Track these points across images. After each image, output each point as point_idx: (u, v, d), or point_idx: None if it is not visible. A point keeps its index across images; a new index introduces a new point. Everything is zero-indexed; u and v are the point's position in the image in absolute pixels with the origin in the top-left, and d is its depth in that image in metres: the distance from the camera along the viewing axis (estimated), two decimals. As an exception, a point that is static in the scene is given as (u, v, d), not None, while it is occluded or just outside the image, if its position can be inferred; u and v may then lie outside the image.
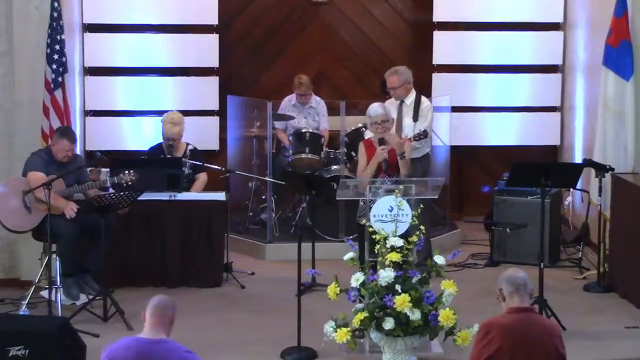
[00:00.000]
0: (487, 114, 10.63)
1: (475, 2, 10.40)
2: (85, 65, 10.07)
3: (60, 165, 7.65)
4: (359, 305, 6.34)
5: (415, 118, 8.35)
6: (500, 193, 9.08)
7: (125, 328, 7.16)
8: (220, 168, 8.94)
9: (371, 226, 6.54)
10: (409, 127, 8.33)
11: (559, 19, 10.45)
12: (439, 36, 10.42)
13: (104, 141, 10.08)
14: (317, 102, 9.85)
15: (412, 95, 8.44)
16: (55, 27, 8.19)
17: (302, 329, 6.62)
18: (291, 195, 9.77)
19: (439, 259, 6.42)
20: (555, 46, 10.48)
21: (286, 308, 7.45)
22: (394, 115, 8.30)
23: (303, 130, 9.42)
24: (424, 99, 8.47)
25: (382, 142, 7.37)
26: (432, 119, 8.54)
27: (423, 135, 8.12)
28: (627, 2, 8.25)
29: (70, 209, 7.51)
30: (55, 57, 8.20)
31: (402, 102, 8.42)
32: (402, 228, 6.53)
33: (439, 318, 6.16)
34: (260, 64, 10.67)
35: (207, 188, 8.71)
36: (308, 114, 9.79)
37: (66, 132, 7.75)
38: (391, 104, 8.42)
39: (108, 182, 7.80)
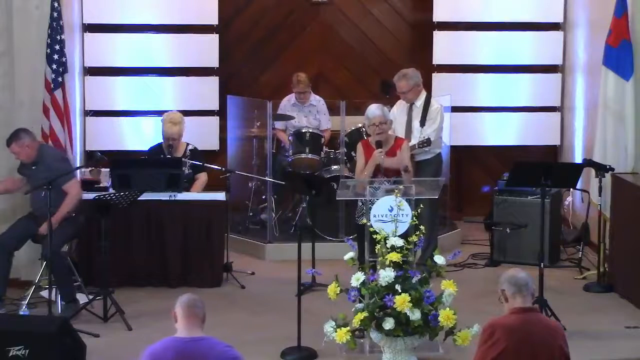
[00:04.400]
0: (487, 114, 10.63)
1: (475, 2, 10.40)
2: (85, 65, 10.07)
3: (28, 165, 7.68)
4: (359, 305, 6.34)
5: (423, 122, 8.33)
6: (500, 193, 9.08)
7: (125, 328, 7.16)
8: (220, 168, 8.94)
9: (371, 226, 6.54)
10: (418, 131, 8.32)
11: (559, 19, 10.45)
12: (439, 36, 10.42)
13: (104, 141, 10.08)
14: (317, 101, 9.85)
15: (422, 96, 8.41)
16: (55, 27, 8.19)
17: (302, 329, 6.62)
18: (291, 195, 9.77)
19: (439, 259, 6.43)
20: (555, 46, 10.48)
21: (286, 308, 7.45)
22: (404, 117, 8.30)
23: (303, 130, 9.41)
24: (433, 100, 8.43)
25: (379, 144, 7.37)
26: (441, 121, 8.45)
27: (426, 143, 8.12)
28: (627, 2, 8.25)
29: None
30: (55, 57, 8.20)
31: (412, 104, 8.40)
32: (402, 228, 6.53)
33: (439, 318, 6.16)
34: (260, 64, 10.67)
35: (207, 188, 8.71)
36: (309, 112, 9.79)
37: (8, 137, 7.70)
38: (401, 106, 8.42)
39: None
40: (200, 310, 4.75)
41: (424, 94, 8.42)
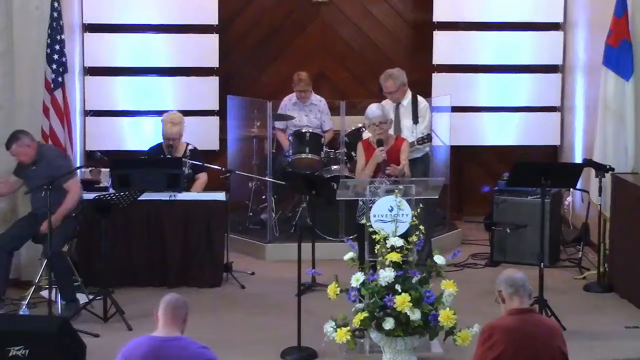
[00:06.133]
0: (487, 114, 10.63)
1: (475, 2, 10.40)
2: (85, 65, 10.07)
3: (27, 166, 7.66)
4: (359, 305, 6.34)
5: (415, 120, 8.34)
6: (500, 193, 9.08)
7: (125, 328, 7.17)
8: (220, 168, 8.94)
9: (371, 226, 6.54)
10: (408, 129, 8.34)
11: (559, 19, 10.46)
12: (439, 36, 10.42)
13: (104, 141, 10.08)
14: (318, 100, 9.86)
15: (409, 95, 8.44)
16: (55, 27, 8.19)
17: (302, 329, 6.62)
18: (291, 195, 9.77)
19: (439, 259, 6.43)
20: (555, 46, 10.48)
21: (286, 308, 7.45)
22: (392, 117, 8.31)
23: (303, 130, 9.42)
24: (420, 99, 8.47)
25: (380, 143, 7.37)
26: (430, 119, 8.56)
27: (427, 139, 8.14)
28: (627, 2, 8.25)
29: None
30: (55, 57, 8.21)
31: (398, 103, 8.42)
32: (402, 228, 6.53)
33: (439, 318, 6.16)
34: (260, 64, 10.67)
35: (207, 188, 8.71)
36: (309, 111, 9.79)
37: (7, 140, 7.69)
38: (388, 104, 8.42)
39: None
40: (182, 311, 4.71)
41: (409, 93, 8.45)
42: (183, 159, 8.50)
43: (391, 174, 7.30)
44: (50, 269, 7.21)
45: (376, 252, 6.45)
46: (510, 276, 4.83)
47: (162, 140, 8.64)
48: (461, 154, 10.55)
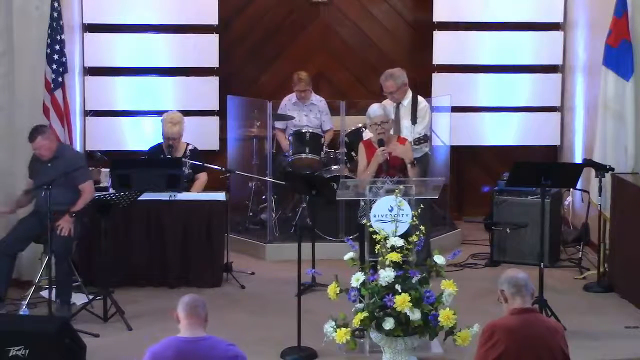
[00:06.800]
0: (487, 114, 10.62)
1: (475, 2, 10.39)
2: (85, 65, 10.07)
3: (43, 163, 7.62)
4: (359, 305, 6.34)
5: (414, 120, 8.34)
6: (500, 193, 9.08)
7: (125, 328, 7.17)
8: (220, 168, 8.94)
9: (371, 226, 6.54)
10: (407, 129, 8.33)
11: (559, 19, 10.45)
12: (439, 36, 10.41)
13: (104, 141, 10.07)
14: (318, 100, 9.86)
15: (409, 96, 8.44)
16: (55, 27, 8.19)
17: (302, 329, 6.62)
18: (291, 195, 9.77)
19: (439, 259, 6.43)
20: (555, 46, 10.47)
21: (286, 308, 7.45)
22: (392, 116, 8.31)
23: (303, 130, 9.42)
24: (420, 99, 8.47)
25: (381, 143, 7.38)
26: (430, 120, 8.56)
27: (423, 139, 8.13)
28: (627, 2, 8.26)
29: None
30: (55, 57, 8.21)
31: (399, 103, 8.42)
32: (402, 228, 6.53)
33: (439, 318, 6.16)
34: (260, 64, 10.66)
35: (207, 188, 8.72)
36: (309, 111, 9.79)
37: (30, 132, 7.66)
38: (389, 105, 8.42)
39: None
40: (202, 310, 4.75)
41: (410, 93, 8.45)
42: (183, 159, 8.51)
43: (395, 153, 7.27)
44: (56, 266, 7.20)
45: (376, 252, 6.45)
46: (513, 276, 4.84)
47: (162, 140, 8.64)
48: (461, 154, 10.55)
